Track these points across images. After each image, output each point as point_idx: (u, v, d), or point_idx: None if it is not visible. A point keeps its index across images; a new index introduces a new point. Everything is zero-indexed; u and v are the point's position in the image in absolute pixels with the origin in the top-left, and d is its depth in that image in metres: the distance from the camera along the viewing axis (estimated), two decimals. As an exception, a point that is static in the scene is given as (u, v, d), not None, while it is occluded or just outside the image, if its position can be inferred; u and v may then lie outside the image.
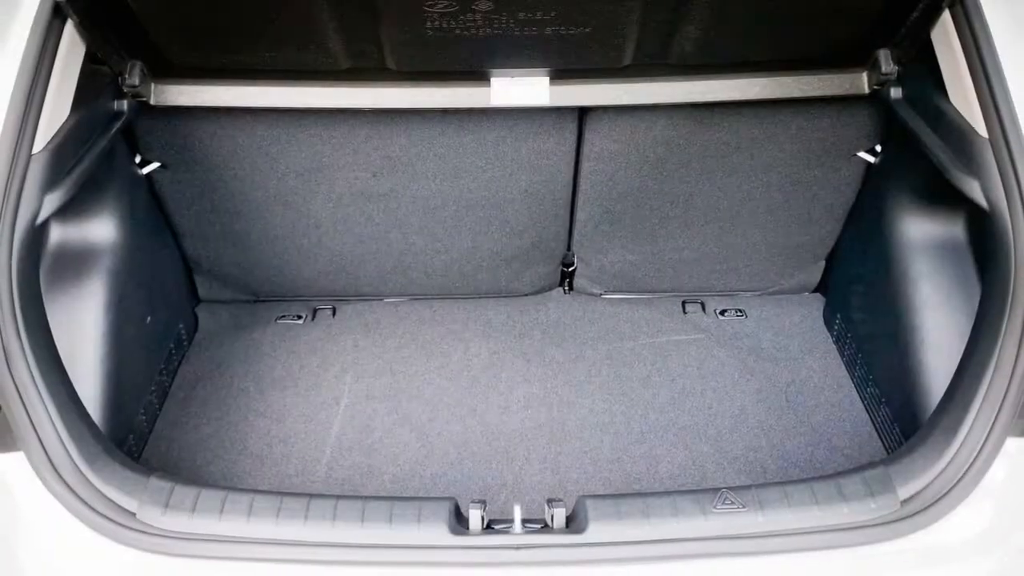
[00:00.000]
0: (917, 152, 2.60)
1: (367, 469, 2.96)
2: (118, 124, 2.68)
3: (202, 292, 3.63)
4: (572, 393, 3.25)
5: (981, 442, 2.14)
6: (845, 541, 2.07)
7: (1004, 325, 2.18)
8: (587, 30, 2.53)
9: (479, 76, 2.81)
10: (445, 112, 2.96)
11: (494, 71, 2.80)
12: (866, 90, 2.85)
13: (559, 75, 2.81)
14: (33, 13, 2.30)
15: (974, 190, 2.30)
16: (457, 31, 2.51)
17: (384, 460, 2.99)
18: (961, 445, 2.15)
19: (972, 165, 2.32)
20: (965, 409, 2.18)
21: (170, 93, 2.82)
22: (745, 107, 2.97)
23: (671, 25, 2.55)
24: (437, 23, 2.47)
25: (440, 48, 2.61)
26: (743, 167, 3.15)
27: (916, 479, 2.14)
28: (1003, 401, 2.14)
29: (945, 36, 2.44)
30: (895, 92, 2.76)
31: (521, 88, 2.81)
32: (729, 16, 2.53)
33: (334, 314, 3.63)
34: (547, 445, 3.04)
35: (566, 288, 3.74)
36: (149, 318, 3.08)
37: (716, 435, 3.07)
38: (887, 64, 2.72)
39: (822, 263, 3.60)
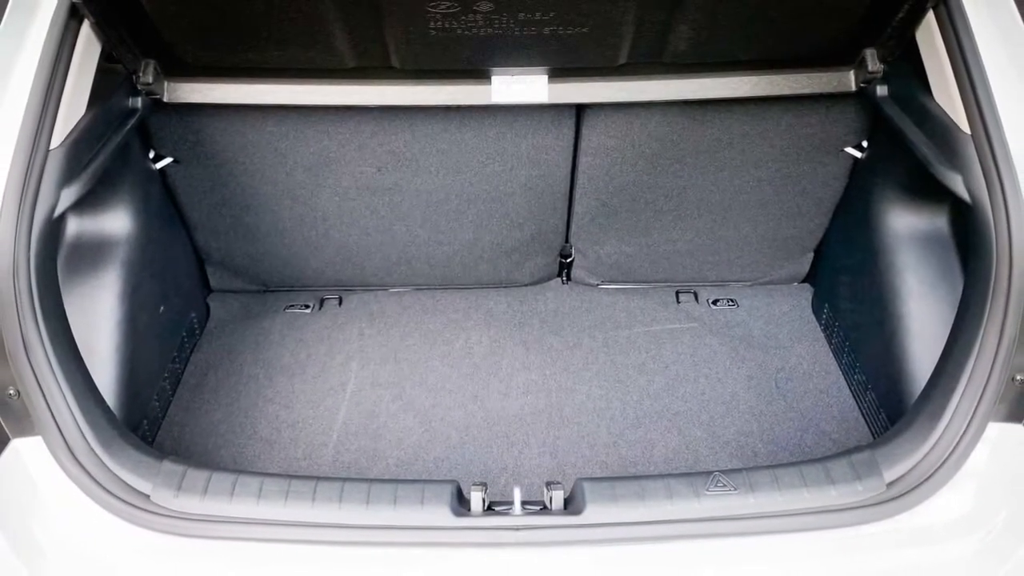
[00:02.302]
0: (902, 148, 2.63)
1: (372, 453, 3.00)
2: (132, 121, 2.71)
3: (213, 282, 3.66)
4: (570, 380, 3.28)
5: (964, 427, 2.18)
6: (833, 522, 2.11)
7: (986, 314, 2.21)
8: (584, 30, 2.55)
9: (480, 74, 2.83)
10: (447, 109, 2.99)
11: (495, 70, 2.82)
12: (853, 88, 2.86)
13: (557, 73, 2.83)
14: (51, 13, 2.31)
15: (957, 184, 2.33)
16: (459, 31, 2.53)
17: (388, 444, 3.03)
18: (945, 430, 2.19)
19: (955, 160, 2.35)
20: (948, 395, 2.22)
21: (183, 91, 2.84)
22: (736, 104, 2.99)
23: (665, 25, 2.57)
24: (440, 23, 2.49)
25: (443, 47, 2.63)
26: (734, 162, 3.17)
27: (901, 463, 2.18)
28: (985, 387, 2.18)
29: (929, 36, 2.47)
30: (881, 90, 2.78)
31: (521, 86, 2.83)
32: (721, 17, 2.54)
33: (340, 304, 3.66)
34: (546, 430, 3.08)
35: (564, 279, 3.77)
36: (162, 308, 3.11)
37: (709, 420, 3.11)
38: (873, 63, 2.74)
39: (811, 254, 3.62)
